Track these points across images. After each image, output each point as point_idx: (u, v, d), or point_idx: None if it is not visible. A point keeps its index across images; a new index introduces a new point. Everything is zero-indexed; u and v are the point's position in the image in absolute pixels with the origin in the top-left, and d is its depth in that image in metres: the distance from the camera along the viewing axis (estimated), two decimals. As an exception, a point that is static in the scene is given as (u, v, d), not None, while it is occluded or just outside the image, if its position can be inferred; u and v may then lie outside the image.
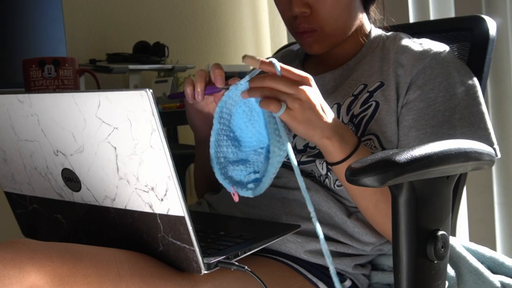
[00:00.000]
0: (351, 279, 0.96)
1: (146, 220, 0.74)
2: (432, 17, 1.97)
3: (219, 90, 0.87)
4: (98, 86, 1.48)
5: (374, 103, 0.98)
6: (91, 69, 1.71)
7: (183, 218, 0.69)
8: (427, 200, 0.73)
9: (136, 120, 0.67)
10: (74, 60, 1.39)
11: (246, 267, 0.73)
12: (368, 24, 1.10)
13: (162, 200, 0.70)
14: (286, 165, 1.02)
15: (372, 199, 0.89)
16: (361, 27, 1.08)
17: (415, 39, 1.05)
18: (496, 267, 0.97)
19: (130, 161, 0.70)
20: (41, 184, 0.85)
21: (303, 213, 0.97)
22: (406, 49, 1.01)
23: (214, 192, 1.13)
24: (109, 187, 0.75)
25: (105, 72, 1.91)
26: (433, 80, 0.96)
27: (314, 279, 0.92)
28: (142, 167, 0.70)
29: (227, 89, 0.85)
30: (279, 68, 0.82)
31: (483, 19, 1.11)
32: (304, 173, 1.00)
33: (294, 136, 1.01)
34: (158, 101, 1.95)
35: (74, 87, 1.38)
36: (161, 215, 0.71)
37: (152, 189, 0.70)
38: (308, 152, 1.00)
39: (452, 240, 0.98)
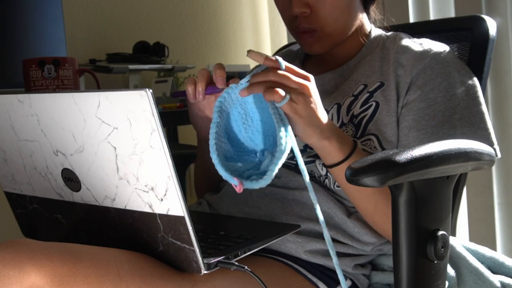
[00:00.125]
0: (351, 279, 0.96)
1: (146, 220, 0.74)
2: (432, 17, 1.97)
3: (220, 91, 0.87)
4: (98, 86, 1.48)
5: (374, 104, 0.98)
6: (91, 69, 1.71)
7: (183, 218, 0.69)
8: (427, 200, 0.73)
9: (136, 120, 0.67)
10: (74, 60, 1.39)
11: (246, 267, 0.73)
12: (368, 24, 1.10)
13: (162, 200, 0.70)
14: (286, 165, 1.02)
15: (371, 200, 0.89)
16: (361, 27, 1.08)
17: (415, 39, 1.05)
18: (496, 267, 0.97)
19: (130, 161, 0.70)
20: (41, 184, 0.85)
21: (303, 213, 0.97)
22: (406, 49, 1.01)
23: (214, 192, 1.13)
24: (109, 187, 0.75)
25: (105, 72, 1.91)
26: (433, 80, 0.96)
27: (314, 279, 0.92)
28: (142, 167, 0.70)
29: None
30: (283, 66, 0.82)
31: (483, 19, 1.11)
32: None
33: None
34: (158, 101, 1.95)
35: (74, 87, 1.38)
36: (161, 215, 0.71)
37: (152, 189, 0.70)
38: (308, 152, 1.00)
39: (452, 240, 0.98)
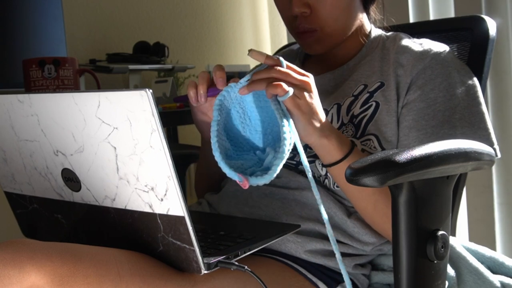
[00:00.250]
0: (351, 279, 0.96)
1: (146, 220, 0.74)
2: (432, 17, 1.97)
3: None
4: (98, 86, 1.48)
5: (374, 104, 0.98)
6: (91, 69, 1.71)
7: (183, 218, 0.69)
8: (427, 200, 0.73)
9: (136, 120, 0.67)
10: (74, 60, 1.39)
11: (246, 267, 0.73)
12: (368, 24, 1.10)
13: (162, 200, 0.70)
14: (287, 165, 1.02)
15: (371, 200, 0.89)
16: (361, 27, 1.08)
17: (415, 39, 1.05)
18: (496, 267, 0.97)
19: (130, 161, 0.70)
20: (41, 184, 0.85)
21: (303, 213, 0.97)
22: (406, 49, 1.01)
23: (214, 192, 1.13)
24: (109, 187, 0.75)
25: (105, 72, 1.91)
26: (433, 80, 0.96)
27: (314, 279, 0.92)
28: (142, 167, 0.70)
29: None
30: (285, 65, 0.82)
31: (483, 19, 1.11)
32: (303, 173, 1.00)
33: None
34: (158, 101, 1.95)
35: (74, 87, 1.38)
36: (161, 215, 0.71)
37: (152, 189, 0.70)
38: (308, 152, 1.00)
39: (452, 240, 0.98)
